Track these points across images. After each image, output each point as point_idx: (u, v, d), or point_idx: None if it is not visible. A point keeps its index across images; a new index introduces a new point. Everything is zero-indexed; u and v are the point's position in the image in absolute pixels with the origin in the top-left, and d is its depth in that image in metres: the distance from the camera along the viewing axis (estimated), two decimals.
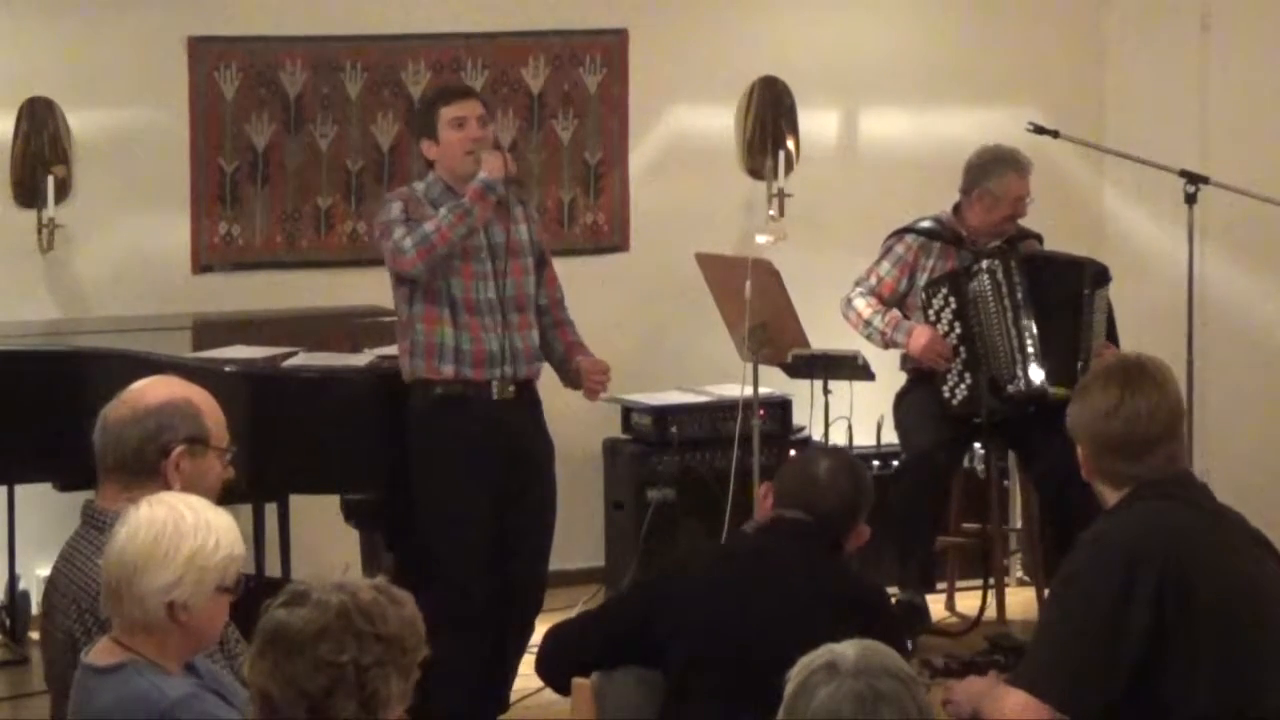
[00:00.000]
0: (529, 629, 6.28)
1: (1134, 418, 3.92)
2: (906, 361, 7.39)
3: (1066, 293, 7.15)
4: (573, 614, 6.39)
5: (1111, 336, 7.21)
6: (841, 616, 4.28)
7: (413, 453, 6.17)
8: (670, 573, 4.75)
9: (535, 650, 4.88)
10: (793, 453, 7.34)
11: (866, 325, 7.26)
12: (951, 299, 7.18)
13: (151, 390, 4.09)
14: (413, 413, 6.17)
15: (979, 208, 7.27)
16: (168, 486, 3.92)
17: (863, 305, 7.29)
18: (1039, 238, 7.45)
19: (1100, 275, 7.22)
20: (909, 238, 7.35)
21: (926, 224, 7.36)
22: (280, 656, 3.09)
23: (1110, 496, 3.98)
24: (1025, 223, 7.39)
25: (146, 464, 3.99)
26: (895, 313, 7.28)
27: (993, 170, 7.26)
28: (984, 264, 7.16)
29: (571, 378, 6.39)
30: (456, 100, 6.23)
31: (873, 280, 7.34)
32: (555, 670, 4.59)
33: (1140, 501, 3.92)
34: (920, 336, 7.17)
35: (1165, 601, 3.79)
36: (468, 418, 6.10)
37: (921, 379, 7.30)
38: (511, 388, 6.14)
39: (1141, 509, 3.91)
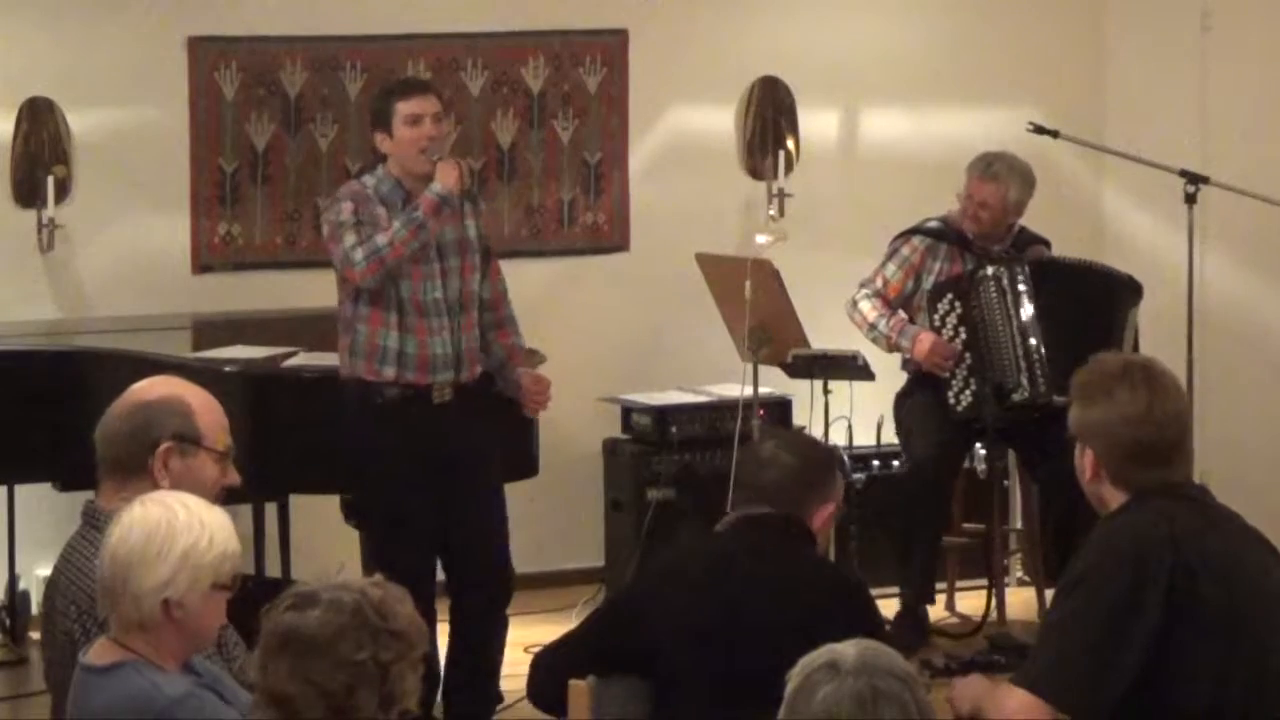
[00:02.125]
0: (502, 621, 6.23)
1: (1164, 422, 3.88)
2: (908, 363, 7.37)
3: (1096, 304, 7.12)
4: (574, 612, 6.38)
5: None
6: (822, 606, 4.26)
7: (349, 453, 6.08)
8: (649, 580, 4.68)
9: (535, 649, 4.86)
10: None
11: (871, 328, 7.26)
12: (957, 304, 7.17)
13: (147, 388, 4.08)
14: (348, 412, 6.07)
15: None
16: (157, 484, 3.91)
17: (868, 308, 7.28)
18: (1046, 243, 7.43)
19: (1137, 292, 7.19)
20: (915, 239, 7.34)
21: (933, 225, 7.36)
22: (297, 659, 3.09)
23: (1114, 500, 3.94)
24: (1032, 227, 7.37)
25: (135, 460, 3.98)
26: (901, 316, 7.28)
27: (966, 170, 7.28)
28: (989, 270, 7.14)
29: (509, 387, 6.25)
30: (414, 95, 6.11)
31: (879, 282, 7.33)
32: (548, 695, 4.47)
33: (1146, 503, 3.89)
34: (924, 342, 7.17)
35: (1173, 602, 3.77)
36: (406, 424, 6.00)
37: (922, 380, 7.29)
38: (450, 391, 6.03)
39: (1148, 510, 3.88)
